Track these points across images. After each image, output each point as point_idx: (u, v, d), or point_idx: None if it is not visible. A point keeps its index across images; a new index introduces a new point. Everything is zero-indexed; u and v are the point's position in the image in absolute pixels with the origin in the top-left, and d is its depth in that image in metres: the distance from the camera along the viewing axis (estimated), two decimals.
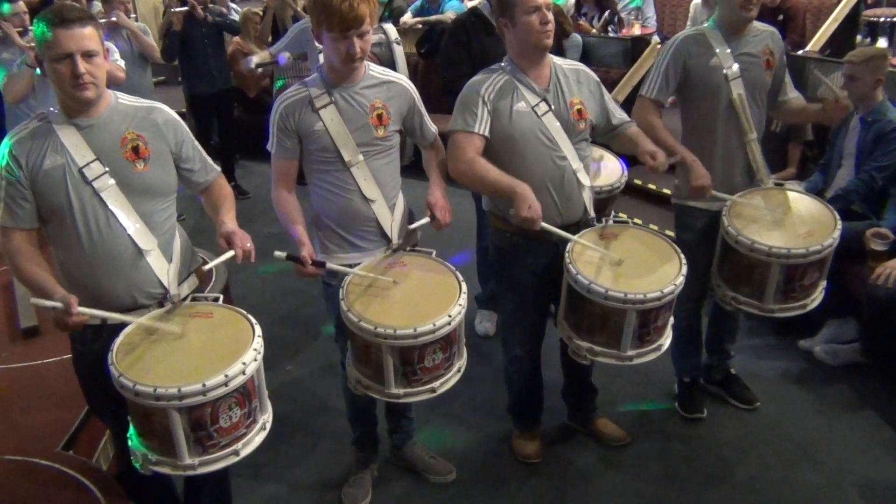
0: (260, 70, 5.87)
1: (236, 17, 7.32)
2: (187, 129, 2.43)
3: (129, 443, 2.21)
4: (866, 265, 3.60)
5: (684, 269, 2.64)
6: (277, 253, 2.42)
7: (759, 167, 3.09)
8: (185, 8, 6.11)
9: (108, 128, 2.24)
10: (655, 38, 7.00)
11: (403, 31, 7.27)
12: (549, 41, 2.71)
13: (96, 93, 2.18)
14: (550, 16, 2.67)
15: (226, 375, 2.04)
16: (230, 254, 2.31)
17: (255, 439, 2.22)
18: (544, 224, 2.64)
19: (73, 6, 2.20)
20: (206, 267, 2.41)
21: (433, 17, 7.61)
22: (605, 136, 3.00)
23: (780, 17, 5.91)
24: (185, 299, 2.35)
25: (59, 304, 2.03)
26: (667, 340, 2.77)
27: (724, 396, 3.58)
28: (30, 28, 4.80)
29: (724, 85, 3.00)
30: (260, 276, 4.97)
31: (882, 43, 7.51)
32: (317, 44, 4.38)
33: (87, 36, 2.12)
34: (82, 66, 2.10)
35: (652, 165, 2.79)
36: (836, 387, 3.69)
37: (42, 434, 2.88)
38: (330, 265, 2.57)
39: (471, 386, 3.52)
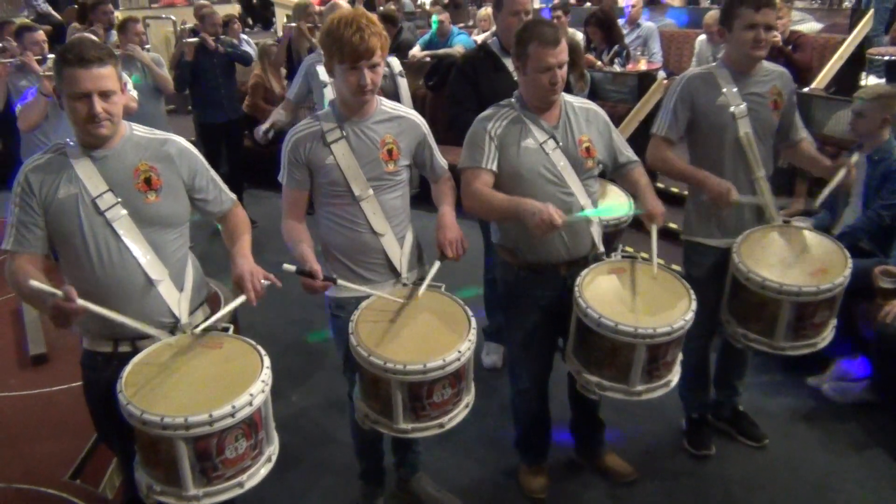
0: (271, 134, 5.75)
1: (247, 48, 7.40)
2: (202, 159, 2.46)
3: (135, 473, 2.20)
4: (874, 303, 3.58)
5: (694, 305, 2.63)
6: (287, 266, 2.43)
7: (769, 204, 3.10)
8: (197, 39, 6.20)
9: (121, 159, 2.27)
10: (661, 74, 7.06)
11: (411, 65, 7.35)
12: (556, 97, 2.75)
13: (112, 129, 2.22)
14: (562, 73, 2.68)
15: (233, 406, 2.03)
16: (241, 298, 2.34)
17: (261, 471, 2.21)
18: (566, 217, 2.60)
19: (94, 43, 2.22)
20: (220, 314, 2.36)
21: (441, 51, 7.70)
22: (612, 174, 3.02)
23: (790, 47, 5.94)
24: (195, 328, 2.36)
25: (58, 292, 2.02)
26: (675, 377, 2.75)
27: (732, 433, 3.56)
28: (48, 56, 4.87)
29: (732, 124, 3.01)
30: (268, 305, 4.96)
31: (871, 81, 7.52)
32: (321, 77, 4.44)
33: (106, 76, 2.15)
34: (99, 105, 2.14)
35: (648, 225, 2.82)
36: (846, 425, 3.66)
37: (49, 462, 2.87)
38: (341, 281, 2.58)
39: (477, 419, 3.47)
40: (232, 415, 2.03)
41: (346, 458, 3.27)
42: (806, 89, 5.93)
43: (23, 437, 3.06)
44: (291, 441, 3.48)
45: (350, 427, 2.99)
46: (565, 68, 2.69)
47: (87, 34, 5.53)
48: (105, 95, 2.15)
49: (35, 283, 2.05)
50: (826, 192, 2.99)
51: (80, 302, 2.05)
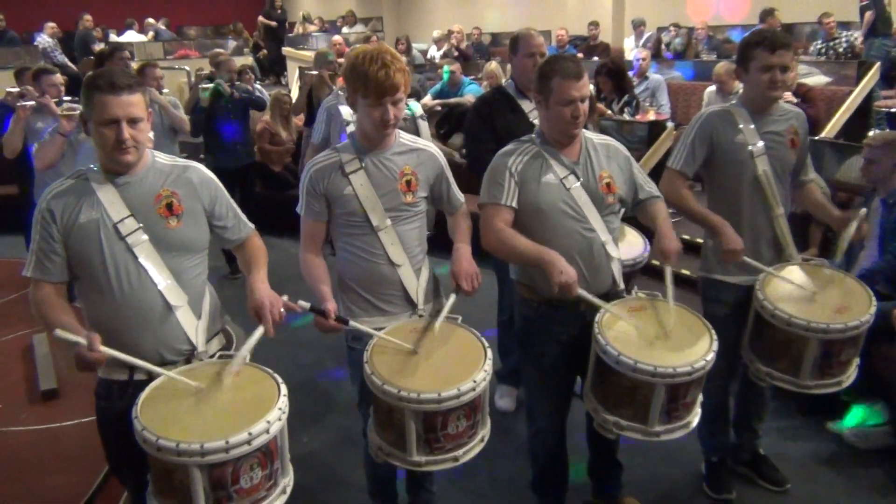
0: None
1: (261, 95, 7.51)
2: (222, 187, 2.48)
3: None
4: (894, 346, 3.54)
5: (715, 345, 2.58)
6: (301, 302, 2.42)
7: (788, 242, 3.09)
8: (212, 85, 6.29)
9: (143, 185, 2.29)
10: (670, 124, 7.14)
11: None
12: (578, 131, 2.75)
13: (137, 156, 2.24)
14: (584, 107, 2.69)
15: (249, 433, 2.00)
16: (259, 331, 2.32)
17: (276, 503, 2.16)
18: (581, 291, 2.61)
19: (124, 71, 2.27)
20: (240, 356, 2.29)
21: (452, 100, 7.81)
22: (632, 209, 3.01)
23: (798, 100, 6.01)
24: (212, 357, 2.34)
25: (82, 340, 2.03)
26: (695, 418, 2.69)
27: (752, 477, 3.48)
28: (65, 98, 4.95)
29: (749, 161, 3.02)
30: (277, 346, 4.94)
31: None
32: (344, 116, 4.49)
33: (135, 103, 2.18)
34: (127, 132, 2.17)
35: (662, 264, 2.79)
36: (867, 470, 3.58)
37: (59, 496, 2.86)
38: (352, 323, 2.55)
39: (492, 461, 3.44)
40: (248, 442, 2.00)
41: (358, 500, 3.21)
42: (816, 138, 5.98)
43: (33, 470, 3.05)
44: (303, 481, 3.38)
45: (364, 465, 2.94)
46: (587, 102, 2.70)
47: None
48: (133, 122, 2.18)
49: (60, 333, 2.06)
50: (844, 245, 2.97)
51: (103, 349, 2.06)
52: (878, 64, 7.49)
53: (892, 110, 7.61)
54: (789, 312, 2.78)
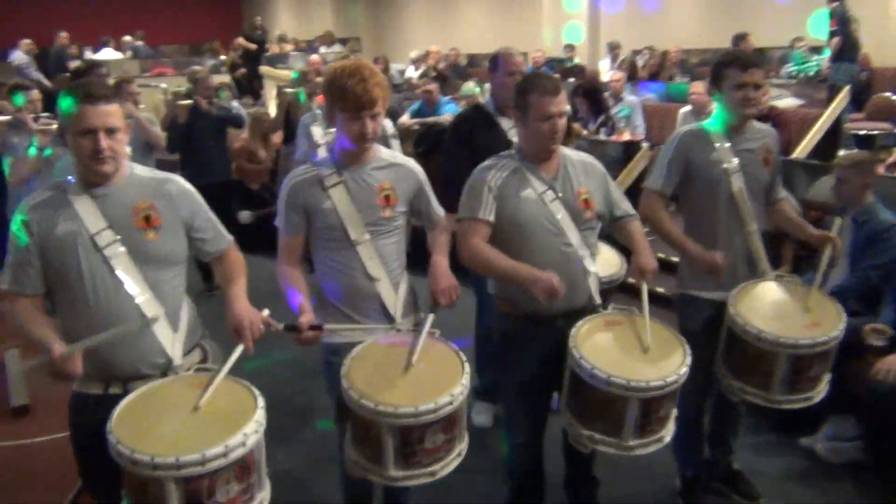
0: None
1: (238, 113, 7.52)
2: (201, 199, 2.48)
3: None
4: (865, 362, 3.59)
5: (689, 360, 2.61)
6: (274, 323, 2.43)
7: (761, 259, 3.13)
8: (190, 101, 6.29)
9: (121, 197, 2.28)
10: (645, 145, 7.23)
11: (400, 132, 7.47)
12: (555, 147, 2.79)
13: (114, 167, 2.24)
14: (562, 123, 2.73)
15: (226, 446, 1.99)
16: (239, 349, 2.32)
17: None
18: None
19: (100, 82, 2.29)
20: (220, 377, 2.27)
21: (430, 119, 7.85)
22: (608, 227, 3.04)
23: (769, 123, 6.10)
24: (189, 370, 2.33)
25: (43, 359, 2.03)
26: (669, 433, 2.71)
27: (727, 492, 3.50)
28: (41, 115, 4.93)
29: (725, 179, 3.06)
30: (255, 362, 4.90)
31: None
32: (315, 138, 4.51)
33: (112, 113, 2.19)
34: (104, 141, 2.16)
35: (638, 281, 2.84)
36: (839, 484, 3.62)
37: None
38: (327, 326, 2.56)
39: (469, 477, 3.39)
40: (224, 455, 1.99)
41: None
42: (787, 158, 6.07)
43: (4, 488, 3.01)
44: (279, 499, 3.34)
45: (340, 480, 2.91)
46: (565, 119, 2.74)
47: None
48: (110, 132, 2.18)
49: (28, 364, 2.10)
50: (824, 266, 3.03)
51: (62, 351, 2.05)
52: (847, 87, 7.64)
53: (861, 133, 7.76)
54: (759, 327, 2.82)
